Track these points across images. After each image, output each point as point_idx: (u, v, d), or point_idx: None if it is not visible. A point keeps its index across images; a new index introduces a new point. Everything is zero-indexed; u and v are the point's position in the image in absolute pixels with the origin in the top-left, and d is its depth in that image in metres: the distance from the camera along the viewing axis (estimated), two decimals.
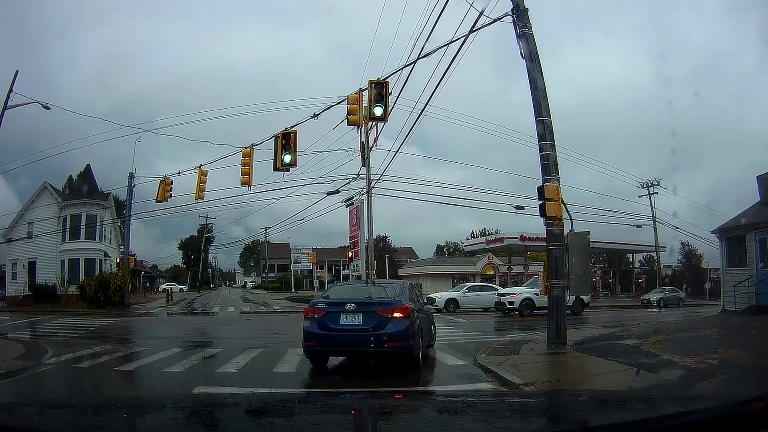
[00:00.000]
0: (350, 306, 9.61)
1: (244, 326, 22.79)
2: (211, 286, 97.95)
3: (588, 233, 12.79)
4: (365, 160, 28.01)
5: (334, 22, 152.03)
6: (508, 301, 25.86)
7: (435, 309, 26.44)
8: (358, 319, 9.48)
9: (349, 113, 14.26)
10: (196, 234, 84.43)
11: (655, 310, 34.34)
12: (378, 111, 13.64)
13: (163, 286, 71.04)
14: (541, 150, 11.91)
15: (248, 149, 18.12)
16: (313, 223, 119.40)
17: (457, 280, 64.26)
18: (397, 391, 7.14)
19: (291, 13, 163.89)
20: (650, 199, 46.38)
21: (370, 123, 29.04)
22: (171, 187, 25.06)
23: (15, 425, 2.09)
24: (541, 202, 11.16)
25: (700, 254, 68.91)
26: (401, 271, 72.55)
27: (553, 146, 11.92)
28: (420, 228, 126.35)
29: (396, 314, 9.39)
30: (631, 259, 63.78)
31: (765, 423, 1.96)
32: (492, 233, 65.46)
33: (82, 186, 42.23)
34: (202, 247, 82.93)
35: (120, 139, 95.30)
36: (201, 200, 22.58)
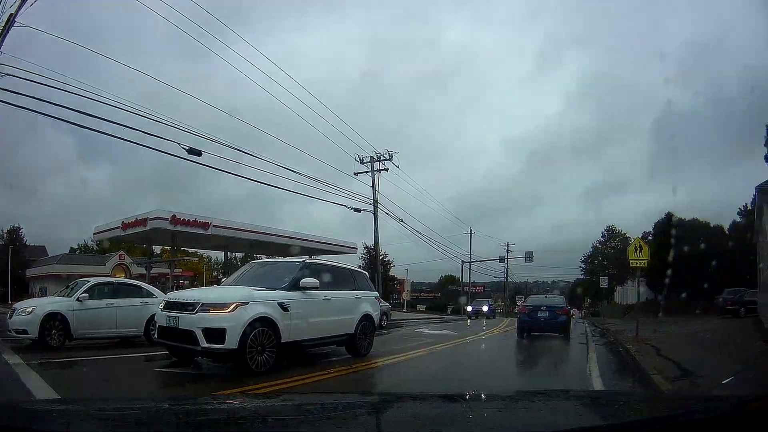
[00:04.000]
0: (543, 307, 19.30)
1: None
2: None
3: None
4: None
5: None
6: (172, 318, 9.28)
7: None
8: (546, 314, 18.94)
9: None
10: None
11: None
12: None
13: None
14: None
15: None
16: None
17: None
18: None
19: None
20: (373, 177, 34.34)
21: None
22: None
23: (15, 425, 1.97)
24: None
25: (389, 260, 63.84)
26: (30, 271, 57.37)
27: None
28: (56, 227, 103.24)
29: (562, 312, 19.39)
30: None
31: (765, 423, 1.92)
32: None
33: None
34: None
35: None
36: None
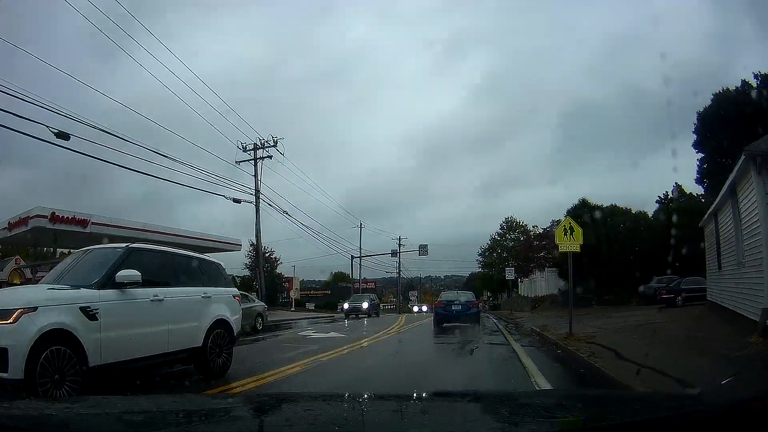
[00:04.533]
0: (456, 302, 22.00)
1: None
2: None
3: None
4: None
5: None
6: None
7: None
8: (459, 307, 21.52)
9: None
10: None
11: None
12: None
13: None
14: None
15: None
16: None
17: None
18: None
19: None
20: (255, 165, 31.94)
21: None
22: None
23: (15, 425, 1.98)
24: None
25: (276, 258, 61.81)
26: None
27: None
28: None
29: (473, 305, 22.35)
30: None
31: (765, 423, 1.87)
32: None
33: None
34: None
35: None
36: None
